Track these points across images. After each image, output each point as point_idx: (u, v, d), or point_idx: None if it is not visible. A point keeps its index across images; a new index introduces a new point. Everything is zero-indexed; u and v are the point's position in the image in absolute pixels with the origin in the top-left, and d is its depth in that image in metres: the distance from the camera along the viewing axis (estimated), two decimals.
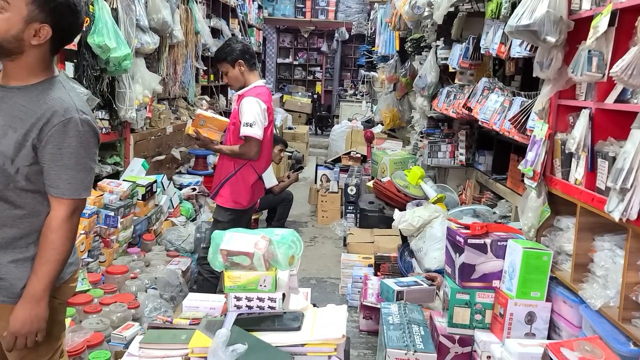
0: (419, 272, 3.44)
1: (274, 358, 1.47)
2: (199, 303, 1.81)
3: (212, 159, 5.31)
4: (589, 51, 1.88)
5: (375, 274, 3.72)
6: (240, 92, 3.21)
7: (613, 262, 1.84)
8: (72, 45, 3.22)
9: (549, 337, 2.23)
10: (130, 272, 3.20)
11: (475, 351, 2.40)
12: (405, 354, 2.25)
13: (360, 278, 3.69)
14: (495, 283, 2.38)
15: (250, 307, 1.67)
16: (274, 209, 5.24)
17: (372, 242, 4.24)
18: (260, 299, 1.66)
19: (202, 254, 3.19)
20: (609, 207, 1.72)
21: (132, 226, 3.62)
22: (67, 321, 2.56)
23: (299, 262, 1.75)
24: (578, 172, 2.05)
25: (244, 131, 3.03)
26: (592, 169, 1.97)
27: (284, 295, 1.69)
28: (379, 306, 2.99)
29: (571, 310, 2.09)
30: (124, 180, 3.79)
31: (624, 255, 1.74)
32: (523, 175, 2.52)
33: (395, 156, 5.59)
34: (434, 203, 3.98)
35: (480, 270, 2.39)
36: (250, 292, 1.66)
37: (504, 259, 2.35)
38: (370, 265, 3.89)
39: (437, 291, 3.04)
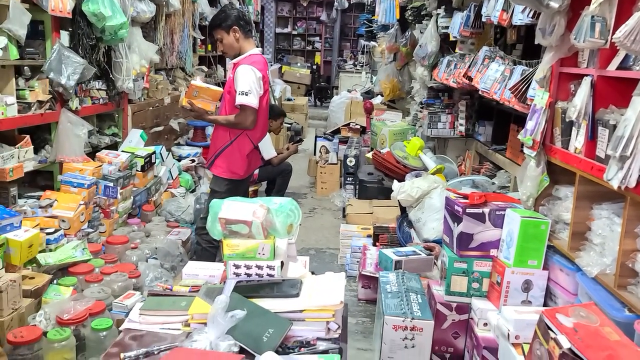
0: (418, 242, 3.46)
1: (272, 324, 1.48)
2: (198, 271, 1.82)
3: (211, 131, 5.28)
4: (592, 17, 1.84)
5: (374, 245, 3.74)
6: (235, 61, 3.16)
7: (610, 230, 1.85)
8: (67, 14, 3.17)
9: (545, 305, 2.26)
10: (131, 243, 3.22)
11: (472, 318, 2.43)
12: (403, 320, 2.28)
13: (359, 248, 3.72)
14: (493, 252, 2.40)
15: (249, 275, 1.68)
16: (273, 181, 5.24)
17: (371, 213, 4.26)
18: (259, 267, 1.67)
19: (201, 224, 3.20)
20: (608, 175, 1.72)
21: (132, 197, 3.63)
22: (69, 290, 2.59)
23: (297, 231, 1.76)
24: (578, 140, 2.04)
25: (240, 100, 2.99)
26: (592, 137, 1.96)
27: (282, 263, 1.70)
28: (377, 275, 3.02)
29: (567, 278, 2.11)
30: (122, 151, 3.78)
31: (621, 223, 1.75)
32: (522, 145, 2.51)
33: (395, 127, 5.56)
34: (433, 174, 3.98)
35: (478, 240, 2.41)
36: (249, 260, 1.67)
37: (502, 228, 2.37)
38: (369, 236, 3.91)
39: (435, 261, 3.06)
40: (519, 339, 2.03)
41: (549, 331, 1.64)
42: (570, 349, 1.54)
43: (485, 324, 2.32)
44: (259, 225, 1.64)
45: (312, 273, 1.81)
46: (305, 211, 5.15)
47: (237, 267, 1.68)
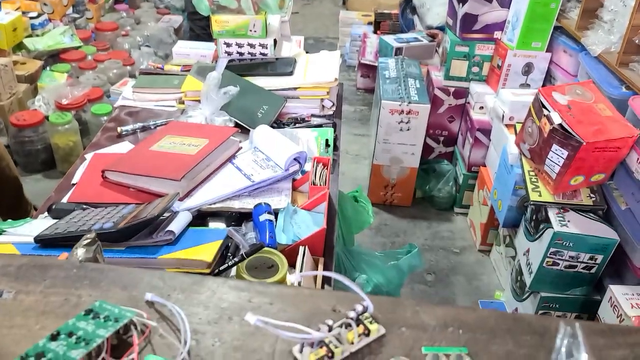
0: (420, 29, 3.32)
1: (267, 100, 1.48)
2: (189, 50, 1.76)
3: None
4: None
5: (375, 32, 3.60)
6: None
7: (623, 5, 1.73)
8: None
9: None
10: (121, 30, 3.10)
11: (468, 103, 2.44)
12: (400, 105, 2.30)
13: (359, 36, 3.59)
14: (497, 34, 2.31)
15: (241, 54, 1.63)
16: None
17: None
18: (251, 45, 1.61)
19: (192, 9, 3.03)
20: None
21: None
22: (64, 76, 2.57)
23: (290, 6, 1.65)
24: None
25: None
26: None
27: (275, 41, 1.63)
28: (376, 64, 2.96)
29: (570, 59, 2.06)
30: None
31: None
32: None
33: None
34: None
35: (483, 21, 2.29)
36: (240, 37, 1.60)
37: (509, 8, 2.23)
38: (369, 23, 3.75)
39: (437, 48, 2.97)
40: (513, 120, 2.07)
41: (543, 109, 1.65)
42: (560, 124, 1.56)
43: (481, 108, 2.35)
44: None
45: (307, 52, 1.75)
46: None
47: (228, 45, 1.62)
